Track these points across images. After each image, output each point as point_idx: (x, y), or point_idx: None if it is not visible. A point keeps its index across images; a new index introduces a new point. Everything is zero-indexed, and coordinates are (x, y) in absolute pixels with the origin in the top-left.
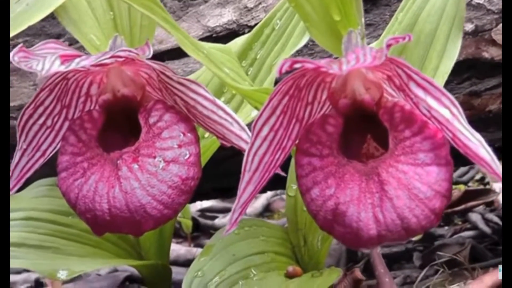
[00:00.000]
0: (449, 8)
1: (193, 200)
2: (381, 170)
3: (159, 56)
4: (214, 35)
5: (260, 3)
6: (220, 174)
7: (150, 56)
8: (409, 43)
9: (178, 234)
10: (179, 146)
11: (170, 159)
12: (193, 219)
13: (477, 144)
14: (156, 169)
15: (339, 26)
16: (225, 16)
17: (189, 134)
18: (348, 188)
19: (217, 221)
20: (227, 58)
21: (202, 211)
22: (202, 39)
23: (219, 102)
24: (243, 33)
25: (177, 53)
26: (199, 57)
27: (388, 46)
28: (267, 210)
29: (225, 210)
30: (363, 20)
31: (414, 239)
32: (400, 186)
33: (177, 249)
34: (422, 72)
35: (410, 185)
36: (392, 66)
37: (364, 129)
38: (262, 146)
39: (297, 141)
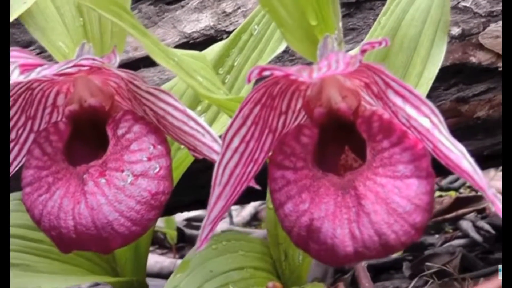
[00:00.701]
0: (433, 11)
1: (172, 212)
2: (358, 183)
3: (135, 64)
4: (191, 42)
5: (239, 8)
6: (199, 185)
7: (116, 64)
8: (392, 49)
9: (163, 245)
10: (149, 159)
11: (139, 173)
12: (179, 230)
13: (458, 155)
14: (124, 183)
15: (316, 31)
16: (202, 22)
17: (159, 146)
18: (323, 202)
19: None
20: (200, 65)
21: (189, 220)
22: (178, 46)
23: (190, 112)
24: (221, 39)
25: (152, 61)
26: (169, 65)
27: (363, 51)
28: (255, 219)
29: None
30: (340, 24)
31: None
32: (378, 200)
33: (161, 260)
34: (406, 79)
35: (389, 199)
36: (369, 73)
37: (342, 140)
38: (232, 158)
39: (270, 153)
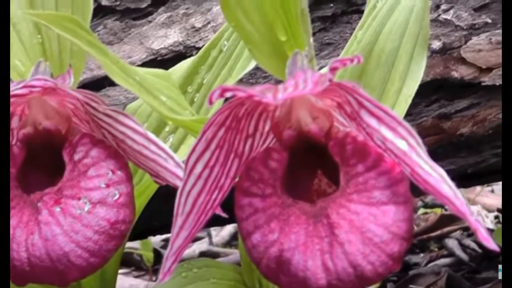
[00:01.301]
0: (412, 24)
1: (144, 235)
2: (331, 211)
3: (99, 82)
4: (159, 58)
5: (208, 23)
6: (170, 209)
7: (70, 84)
8: (369, 64)
9: (139, 267)
10: (107, 186)
11: (97, 201)
12: (155, 251)
13: (438, 179)
14: (81, 212)
15: (285, 47)
16: (170, 37)
17: (119, 172)
18: (293, 232)
19: None
20: (164, 84)
21: (166, 241)
22: (146, 63)
23: (151, 135)
24: (191, 55)
25: None
26: (129, 84)
27: (332, 70)
28: (235, 239)
29: (193, 240)
30: (311, 40)
31: None
32: (352, 229)
33: (137, 284)
34: (384, 96)
35: (364, 228)
36: (341, 92)
37: (313, 164)
38: (196, 185)
39: (236, 179)
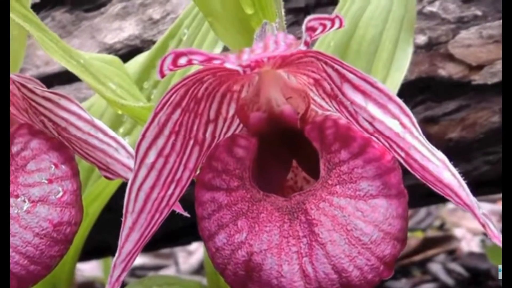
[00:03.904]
0: (396, 7)
1: (103, 254)
2: (310, 205)
3: (47, 80)
4: (112, 54)
5: (168, 14)
6: None
7: None
8: (348, 54)
9: None
10: (50, 181)
11: (38, 199)
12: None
13: (438, 164)
14: (19, 211)
15: (252, 21)
16: (125, 30)
17: (63, 166)
18: (264, 232)
19: None
20: (115, 72)
21: (133, 270)
22: None
23: (98, 122)
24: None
25: (68, 77)
26: (71, 65)
27: (309, 30)
28: None
29: (159, 268)
30: (283, 12)
31: None
32: (335, 226)
33: None
34: None
35: (350, 225)
36: (319, 64)
37: (288, 153)
38: (148, 177)
39: (197, 171)
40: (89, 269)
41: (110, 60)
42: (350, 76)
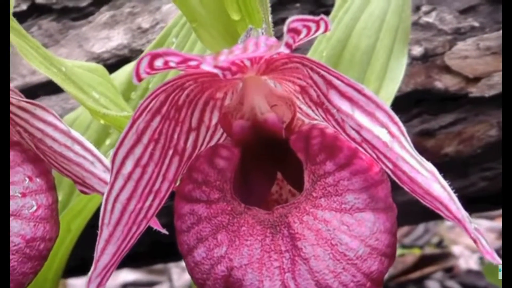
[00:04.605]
0: (390, 17)
1: (84, 271)
2: (293, 219)
3: (32, 90)
4: (101, 63)
5: (157, 23)
6: None
7: None
8: (340, 64)
9: None
10: (23, 195)
11: (10, 213)
12: None
13: (428, 176)
14: None
15: (238, 27)
16: (114, 40)
17: (37, 179)
18: (245, 246)
19: None
20: (98, 80)
21: (126, 286)
22: None
23: (75, 133)
24: None
25: (54, 87)
26: (51, 73)
27: (291, 31)
28: None
29: (152, 284)
30: (270, 18)
31: None
32: (319, 241)
33: None
34: None
35: (334, 240)
36: (305, 70)
37: (272, 165)
38: (125, 188)
39: (176, 183)
40: (80, 285)
41: (94, 68)
42: (337, 82)
